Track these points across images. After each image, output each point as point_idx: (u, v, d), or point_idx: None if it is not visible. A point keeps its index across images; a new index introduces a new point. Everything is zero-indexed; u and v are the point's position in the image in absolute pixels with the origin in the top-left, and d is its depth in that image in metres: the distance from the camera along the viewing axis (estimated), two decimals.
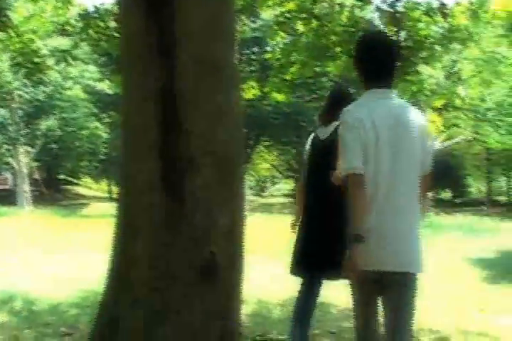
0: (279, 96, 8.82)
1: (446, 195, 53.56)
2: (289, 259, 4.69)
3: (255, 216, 21.59)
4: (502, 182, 47.23)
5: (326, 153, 3.79)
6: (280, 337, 5.66)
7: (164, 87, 2.83)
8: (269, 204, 36.87)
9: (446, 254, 12.39)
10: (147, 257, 2.82)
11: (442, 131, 21.25)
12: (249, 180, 42.73)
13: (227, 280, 2.89)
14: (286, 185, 54.35)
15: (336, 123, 3.66)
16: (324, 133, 4.24)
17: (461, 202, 44.93)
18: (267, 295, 7.78)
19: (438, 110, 11.02)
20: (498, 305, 7.34)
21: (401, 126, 2.87)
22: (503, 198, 44.26)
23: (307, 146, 4.43)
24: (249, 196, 33.51)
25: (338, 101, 4.01)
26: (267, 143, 39.74)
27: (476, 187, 42.65)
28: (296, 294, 4.69)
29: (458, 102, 9.39)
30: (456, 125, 25.34)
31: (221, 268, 2.82)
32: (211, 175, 2.85)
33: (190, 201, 2.79)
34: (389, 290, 2.91)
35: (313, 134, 4.45)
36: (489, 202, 30.01)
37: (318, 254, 4.09)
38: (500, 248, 13.45)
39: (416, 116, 2.98)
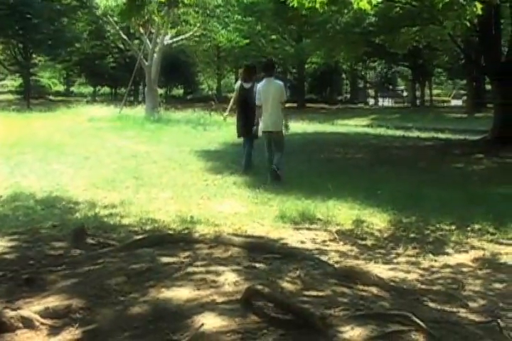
0: None
1: (179, 91, 54.77)
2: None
3: None
4: (232, 80, 49.37)
5: (249, 93, 9.56)
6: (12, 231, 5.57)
7: None
8: None
9: (175, 147, 12.74)
10: None
11: (172, 27, 21.28)
12: None
13: None
14: (13, 82, 50.78)
15: (252, 82, 9.70)
16: (247, 85, 9.75)
17: (193, 99, 46.36)
18: None
19: (167, 6, 11.03)
20: (218, 194, 7.82)
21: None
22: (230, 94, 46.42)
23: (236, 89, 10.11)
24: None
25: (251, 69, 10.24)
26: None
27: (207, 83, 44.04)
28: None
29: None
30: (186, 21, 25.44)
31: None
32: None
33: None
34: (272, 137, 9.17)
35: (239, 83, 9.99)
36: (218, 98, 31.15)
37: (245, 127, 9.63)
38: (225, 140, 14.16)
39: (277, 84, 9.11)
